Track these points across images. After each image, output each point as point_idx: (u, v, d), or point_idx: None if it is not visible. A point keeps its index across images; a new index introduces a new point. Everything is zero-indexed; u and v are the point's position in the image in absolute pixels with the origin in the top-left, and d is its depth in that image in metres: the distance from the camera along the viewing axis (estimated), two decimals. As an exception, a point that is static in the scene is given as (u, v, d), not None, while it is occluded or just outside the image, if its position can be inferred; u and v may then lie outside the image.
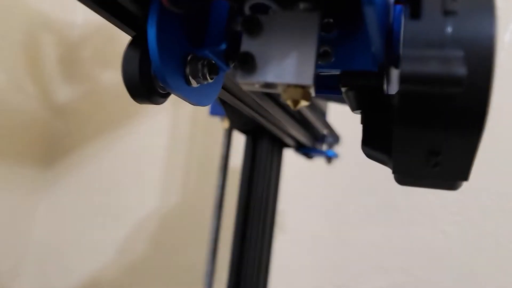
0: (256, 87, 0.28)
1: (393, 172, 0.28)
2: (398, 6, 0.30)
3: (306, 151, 0.70)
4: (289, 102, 0.28)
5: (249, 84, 0.28)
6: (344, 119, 0.70)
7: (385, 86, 0.32)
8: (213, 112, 0.68)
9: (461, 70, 0.22)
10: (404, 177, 0.29)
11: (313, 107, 0.61)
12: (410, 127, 0.25)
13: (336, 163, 0.79)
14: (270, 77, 0.27)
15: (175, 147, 0.99)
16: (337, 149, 0.77)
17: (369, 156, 0.32)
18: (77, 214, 1.02)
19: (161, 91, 0.33)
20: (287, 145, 0.70)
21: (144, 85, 0.32)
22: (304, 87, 0.27)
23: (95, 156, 1.02)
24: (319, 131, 0.66)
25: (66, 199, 1.02)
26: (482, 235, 0.81)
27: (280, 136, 0.65)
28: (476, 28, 0.23)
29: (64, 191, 1.02)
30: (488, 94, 0.23)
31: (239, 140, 0.73)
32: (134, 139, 1.00)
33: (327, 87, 0.36)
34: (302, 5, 0.29)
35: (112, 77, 0.97)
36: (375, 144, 0.32)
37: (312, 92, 0.28)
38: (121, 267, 0.98)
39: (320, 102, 0.66)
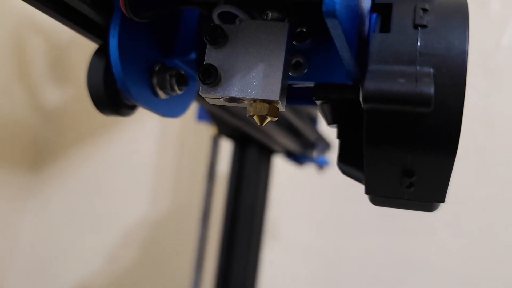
0: (221, 101, 0.27)
1: (366, 192, 0.27)
2: (374, 15, 0.29)
3: (296, 158, 0.69)
4: (255, 118, 0.26)
5: (212, 98, 0.26)
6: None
7: (361, 99, 0.30)
8: (200, 118, 0.67)
9: (429, 88, 0.20)
10: (379, 197, 0.27)
11: (301, 114, 0.59)
12: (379, 147, 0.23)
13: (329, 170, 0.78)
14: (234, 92, 0.26)
15: (164, 152, 0.98)
16: (330, 156, 0.76)
17: (344, 172, 0.31)
18: (64, 220, 1.00)
19: (127, 103, 0.32)
20: (276, 152, 0.68)
21: (110, 97, 0.31)
22: (270, 103, 0.26)
23: (83, 161, 1.00)
24: (308, 138, 0.64)
25: (54, 205, 1.01)
26: (479, 244, 0.80)
27: (268, 143, 0.64)
28: (447, 43, 0.22)
29: (52, 196, 1.01)
30: (460, 113, 0.21)
31: (228, 146, 0.71)
32: (123, 144, 0.98)
33: (302, 98, 0.34)
34: (270, 14, 0.27)
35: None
36: (350, 161, 0.30)
37: (281, 107, 0.27)
38: (109, 274, 0.97)
39: (310, 109, 0.65)
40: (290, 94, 0.29)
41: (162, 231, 0.96)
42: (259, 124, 0.26)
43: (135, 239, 0.97)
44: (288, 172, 0.80)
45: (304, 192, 0.89)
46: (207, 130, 0.73)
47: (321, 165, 0.73)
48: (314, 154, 0.69)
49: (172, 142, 0.98)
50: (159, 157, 0.98)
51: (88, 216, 1.00)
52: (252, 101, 0.26)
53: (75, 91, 1.01)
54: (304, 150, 0.66)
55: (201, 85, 0.26)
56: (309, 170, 0.77)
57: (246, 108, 0.27)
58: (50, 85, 0.99)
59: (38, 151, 1.00)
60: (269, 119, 0.26)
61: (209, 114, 0.60)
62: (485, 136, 0.81)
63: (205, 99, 0.27)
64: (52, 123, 1.01)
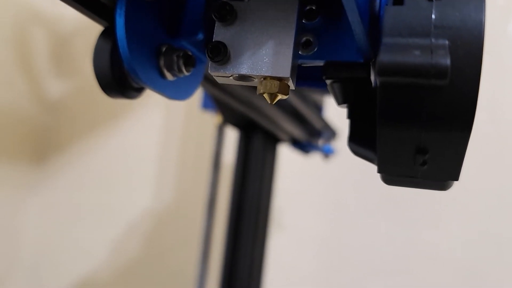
0: (231, 80, 0.26)
1: (379, 171, 0.26)
2: (385, -8, 0.28)
3: (301, 146, 0.69)
4: (265, 96, 0.26)
5: (222, 76, 0.26)
6: (343, 113, 0.68)
7: (372, 78, 0.30)
8: (205, 106, 0.66)
9: (445, 59, 0.20)
10: (391, 176, 0.26)
11: (307, 101, 0.59)
12: (393, 123, 0.23)
13: (336, 158, 0.77)
14: (244, 69, 0.25)
15: (168, 144, 0.97)
16: (337, 144, 0.75)
17: (355, 153, 0.30)
18: (68, 213, 1.00)
19: (134, 85, 0.32)
20: (282, 140, 0.68)
21: (116, 79, 0.31)
22: (281, 80, 0.25)
23: (87, 153, 1.00)
24: (314, 126, 0.64)
25: (58, 198, 1.00)
26: (486, 235, 0.79)
27: (274, 131, 0.63)
28: (463, 14, 0.21)
29: (56, 189, 1.00)
30: (477, 86, 0.21)
31: (233, 135, 0.71)
32: (126, 136, 0.98)
33: (311, 79, 0.34)
34: (280, -9, 0.27)
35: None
36: (361, 141, 0.30)
37: (291, 85, 0.26)
38: (113, 267, 0.97)
39: (315, 96, 0.64)
40: (299, 75, 0.29)
41: (167, 223, 0.96)
42: (269, 102, 0.26)
43: (140, 231, 0.97)
44: (294, 161, 0.80)
45: (309, 182, 0.88)
46: (212, 120, 0.73)
47: (327, 153, 0.72)
48: (320, 142, 0.68)
49: (176, 133, 0.98)
50: (163, 148, 0.98)
51: (92, 209, 0.99)
52: (262, 79, 0.26)
53: (79, 83, 1.01)
54: (310, 138, 0.66)
55: (210, 63, 0.26)
56: (314, 158, 0.77)
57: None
58: (53, 77, 0.98)
59: (41, 143, 0.99)
60: (279, 96, 0.26)
61: (214, 101, 0.60)
62: (493, 125, 0.80)
63: (214, 77, 0.26)
64: (56, 115, 1.01)
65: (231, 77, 0.26)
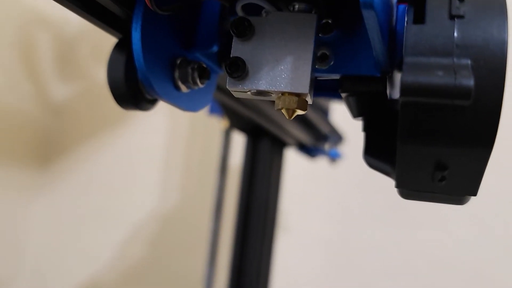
0: (248, 95, 0.26)
1: (397, 186, 0.26)
2: (401, 6, 0.28)
3: (308, 151, 0.69)
4: (283, 112, 0.26)
5: (240, 91, 0.26)
6: (349, 117, 0.68)
7: (388, 91, 0.30)
8: (212, 111, 0.66)
9: (468, 81, 0.20)
10: (409, 191, 0.26)
11: (314, 105, 0.59)
12: (414, 141, 0.23)
13: (342, 162, 0.77)
14: (262, 85, 0.25)
15: (174, 146, 0.97)
16: (343, 147, 0.75)
17: (371, 166, 0.30)
18: (73, 216, 1.00)
19: (148, 97, 0.32)
20: (289, 144, 0.68)
21: (131, 91, 0.31)
22: (299, 95, 0.25)
23: (92, 156, 1.00)
24: (321, 131, 0.64)
25: (62, 201, 1.00)
26: (493, 238, 0.79)
27: (280, 136, 0.63)
28: (485, 33, 0.21)
29: (61, 192, 1.00)
30: (499, 106, 0.21)
31: (239, 139, 0.71)
32: (132, 138, 0.98)
33: (326, 90, 0.34)
34: (297, 6, 0.26)
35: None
36: (377, 154, 0.30)
37: (309, 100, 0.26)
38: (118, 271, 0.96)
39: (322, 100, 0.64)
40: (314, 86, 0.29)
41: (173, 226, 0.96)
42: (287, 117, 0.26)
43: (145, 235, 0.97)
44: (300, 164, 0.80)
45: (316, 184, 0.88)
46: (217, 123, 0.72)
47: (334, 158, 0.72)
48: (327, 146, 0.68)
49: (182, 136, 0.97)
50: (169, 151, 0.98)
51: (97, 212, 0.99)
52: (281, 94, 0.25)
53: (84, 86, 1.00)
54: (316, 143, 0.66)
55: (228, 78, 0.26)
56: (321, 162, 0.77)
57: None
58: (58, 80, 0.98)
59: (46, 146, 0.99)
60: (298, 112, 0.26)
61: (221, 107, 0.60)
62: (503, 131, 0.80)
63: (232, 92, 0.26)
64: (61, 118, 1.00)
65: (248, 92, 0.26)
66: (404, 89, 0.20)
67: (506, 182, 0.80)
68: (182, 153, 0.98)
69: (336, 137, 0.68)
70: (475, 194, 0.25)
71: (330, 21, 0.28)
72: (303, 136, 0.62)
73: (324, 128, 0.63)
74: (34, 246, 1.00)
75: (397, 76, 0.29)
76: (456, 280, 0.81)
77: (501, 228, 0.80)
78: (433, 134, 0.22)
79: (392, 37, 0.27)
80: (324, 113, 0.65)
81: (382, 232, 0.85)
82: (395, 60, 0.28)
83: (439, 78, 0.20)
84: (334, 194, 0.87)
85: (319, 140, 0.66)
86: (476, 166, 0.23)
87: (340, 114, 0.70)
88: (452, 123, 0.21)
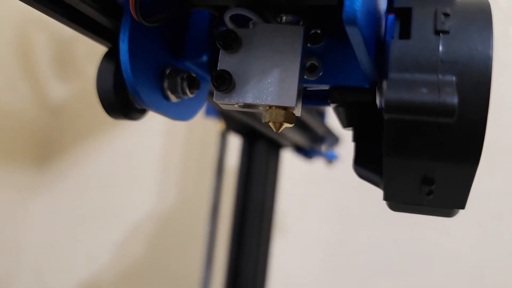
0: (235, 107, 0.26)
1: (384, 199, 0.26)
2: (390, 16, 0.28)
3: (304, 152, 0.68)
4: (271, 125, 0.26)
5: (227, 104, 0.26)
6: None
7: (378, 100, 0.30)
8: (208, 113, 0.66)
9: (452, 98, 0.20)
10: (397, 204, 0.26)
11: (310, 108, 0.58)
12: (399, 155, 0.23)
13: (339, 163, 0.77)
14: (249, 98, 0.25)
15: (171, 147, 0.97)
16: (340, 149, 0.75)
17: (360, 176, 0.30)
18: (71, 216, 1.00)
19: (138, 107, 0.31)
20: (285, 146, 0.68)
21: (120, 101, 0.30)
22: (286, 109, 0.25)
23: (90, 156, 1.00)
24: (317, 133, 0.64)
25: (61, 201, 1.00)
26: (491, 237, 0.79)
27: (276, 138, 0.63)
28: (470, 49, 0.21)
29: (59, 192, 1.00)
30: (484, 122, 0.21)
31: (235, 141, 0.71)
32: (129, 139, 0.98)
33: (316, 98, 0.34)
34: (285, 18, 0.26)
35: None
36: (367, 164, 0.30)
37: (297, 112, 0.26)
38: (117, 271, 0.97)
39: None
40: (304, 94, 0.29)
41: (170, 226, 0.96)
42: (275, 130, 0.26)
43: (143, 234, 0.97)
44: (297, 165, 0.80)
45: (313, 185, 0.88)
46: (214, 124, 0.72)
47: (330, 159, 0.72)
48: (323, 148, 0.68)
49: (180, 137, 0.97)
50: (166, 152, 0.98)
51: (96, 212, 0.99)
52: (268, 107, 0.25)
53: (81, 86, 1.00)
54: (313, 144, 0.66)
55: (215, 91, 0.26)
56: (318, 164, 0.77)
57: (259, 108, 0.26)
58: (56, 80, 0.98)
59: (44, 146, 0.99)
60: (285, 125, 0.26)
61: (217, 110, 0.60)
62: (496, 128, 0.80)
63: (219, 105, 0.26)
64: (58, 118, 1.00)
65: (236, 105, 0.26)
66: (388, 106, 0.20)
67: (505, 181, 0.80)
68: (179, 154, 0.98)
69: (333, 138, 0.68)
70: (463, 207, 0.25)
71: (319, 31, 0.28)
72: (299, 138, 0.62)
73: (320, 130, 0.63)
74: (33, 246, 1.00)
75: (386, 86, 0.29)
76: (455, 280, 0.81)
77: (500, 227, 0.80)
78: (418, 149, 0.22)
79: (381, 48, 0.27)
80: (320, 115, 0.65)
81: (380, 232, 0.85)
82: (384, 70, 0.28)
83: (423, 96, 0.20)
84: (331, 194, 0.87)
85: (315, 142, 0.65)
86: (463, 181, 0.23)
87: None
88: (437, 138, 0.21)
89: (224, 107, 0.26)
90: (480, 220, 0.80)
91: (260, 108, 0.26)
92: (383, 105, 0.21)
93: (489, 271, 0.80)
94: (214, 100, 0.26)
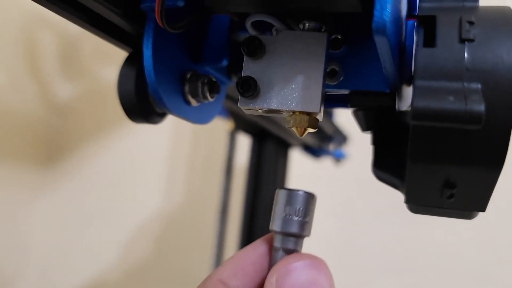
0: (259, 112, 0.27)
1: (406, 202, 0.27)
2: (410, 22, 0.28)
3: (312, 151, 0.69)
4: (294, 130, 0.26)
5: (251, 109, 0.26)
6: (353, 118, 0.68)
7: (397, 104, 0.30)
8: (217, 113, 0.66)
9: (479, 106, 0.20)
10: (417, 207, 0.27)
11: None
12: (424, 160, 0.23)
13: (345, 162, 0.77)
14: (273, 104, 0.26)
15: (178, 146, 0.97)
16: (347, 147, 0.75)
17: (380, 179, 0.30)
18: (77, 215, 1.00)
19: (158, 111, 0.32)
20: (293, 145, 0.68)
21: (141, 105, 0.31)
22: (310, 114, 0.26)
23: (96, 155, 1.00)
24: (325, 132, 0.64)
25: (66, 200, 1.00)
26: (496, 236, 0.79)
27: (285, 138, 0.63)
28: (495, 57, 0.21)
29: (65, 192, 1.00)
30: (509, 129, 0.21)
31: (244, 140, 0.71)
32: (136, 138, 0.97)
33: (335, 101, 0.34)
34: (307, 24, 0.27)
35: (113, 74, 0.93)
36: (387, 167, 0.30)
37: (320, 117, 0.27)
38: (123, 270, 0.97)
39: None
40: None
41: (177, 226, 0.96)
42: (299, 135, 0.26)
43: (150, 234, 0.97)
44: (304, 163, 0.80)
45: (319, 183, 0.88)
46: (222, 124, 0.73)
47: (338, 158, 0.73)
48: (331, 147, 0.69)
49: (187, 136, 0.97)
50: (174, 151, 0.98)
51: (102, 211, 1.00)
52: (292, 113, 0.26)
53: (87, 85, 1.00)
54: (321, 143, 0.66)
55: (239, 97, 0.26)
56: (326, 163, 0.77)
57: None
58: (61, 80, 0.98)
59: (50, 145, 0.99)
60: (308, 130, 0.26)
61: (227, 110, 0.60)
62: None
63: (243, 110, 0.27)
64: (64, 117, 1.01)
65: (260, 110, 0.26)
66: (416, 114, 0.21)
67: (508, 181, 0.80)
68: (187, 152, 0.98)
69: (341, 137, 0.68)
70: (483, 210, 0.26)
71: (339, 37, 0.28)
72: (307, 138, 0.62)
73: (328, 129, 0.63)
74: (39, 245, 1.00)
75: (406, 90, 0.30)
76: (459, 277, 0.81)
77: (505, 225, 0.80)
78: (443, 155, 0.22)
79: (402, 53, 0.28)
80: (328, 114, 0.66)
81: (386, 230, 0.85)
82: (404, 75, 0.28)
83: (450, 103, 0.20)
84: (337, 192, 0.88)
85: (323, 141, 0.66)
86: (485, 185, 0.23)
87: (344, 114, 0.70)
88: (462, 144, 0.22)
89: (248, 112, 0.27)
90: (485, 218, 0.80)
91: (283, 113, 0.26)
92: (409, 112, 0.21)
93: (494, 269, 0.80)
94: (238, 105, 0.26)
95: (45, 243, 1.01)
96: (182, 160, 0.98)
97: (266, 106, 0.26)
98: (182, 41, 0.31)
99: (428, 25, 0.23)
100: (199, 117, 0.33)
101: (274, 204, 0.26)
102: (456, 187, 0.24)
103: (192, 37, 0.31)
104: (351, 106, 0.29)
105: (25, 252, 0.98)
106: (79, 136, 1.02)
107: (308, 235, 0.27)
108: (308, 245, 0.85)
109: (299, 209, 0.26)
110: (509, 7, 0.23)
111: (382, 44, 0.21)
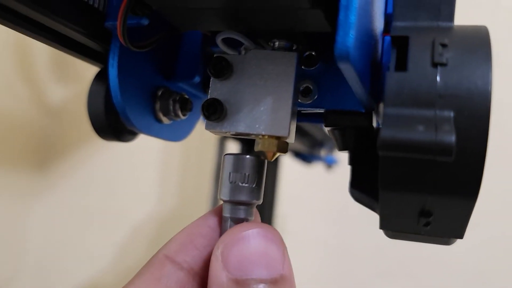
0: (228, 134, 0.26)
1: (381, 227, 0.26)
2: (388, 37, 0.27)
3: (303, 157, 0.68)
4: (263, 154, 0.25)
5: (218, 132, 0.25)
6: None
7: (374, 122, 0.29)
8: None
9: (450, 137, 0.19)
10: (393, 232, 0.26)
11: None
12: (395, 189, 0.22)
13: (339, 165, 0.76)
14: (241, 127, 0.24)
15: (171, 149, 0.96)
16: (339, 154, 0.74)
17: (356, 199, 0.29)
18: (72, 218, 0.99)
19: (130, 129, 0.31)
20: (284, 151, 0.67)
21: (111, 123, 0.30)
22: (279, 138, 0.24)
23: (89, 159, 0.99)
24: (316, 138, 0.63)
25: (62, 203, 1.00)
26: (491, 239, 0.78)
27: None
28: (469, 83, 0.20)
29: (59, 194, 1.00)
30: (483, 159, 0.20)
31: (234, 145, 0.70)
32: (129, 142, 0.97)
33: (312, 116, 0.33)
34: (278, 43, 0.25)
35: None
36: (363, 188, 0.29)
37: (290, 140, 0.25)
38: (118, 272, 0.96)
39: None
40: (300, 113, 0.28)
41: (172, 228, 0.95)
42: (268, 159, 0.25)
43: (144, 236, 0.97)
44: (296, 167, 0.79)
45: (312, 187, 0.88)
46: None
47: (330, 164, 0.72)
48: (322, 153, 0.67)
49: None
50: (166, 154, 0.97)
51: (96, 214, 0.99)
52: (261, 136, 0.25)
53: (81, 88, 0.99)
54: (312, 150, 0.65)
55: (206, 120, 0.25)
56: (317, 167, 0.76)
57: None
58: (55, 82, 0.97)
59: (44, 149, 0.99)
60: (278, 154, 0.25)
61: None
62: (497, 129, 0.79)
63: (211, 132, 0.26)
64: (58, 120, 0.99)
65: (228, 133, 0.25)
66: (382, 145, 0.20)
67: (507, 182, 0.79)
68: (179, 156, 0.97)
69: (332, 143, 0.67)
70: (461, 237, 0.25)
71: (313, 53, 0.27)
72: (298, 144, 0.61)
73: (319, 135, 0.62)
74: (34, 249, 1.00)
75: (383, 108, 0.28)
76: (454, 281, 0.80)
77: (502, 228, 0.79)
78: (415, 184, 0.21)
79: (378, 71, 0.26)
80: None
81: (380, 233, 0.84)
82: (381, 93, 0.27)
83: (419, 134, 0.19)
84: (330, 196, 0.87)
85: (314, 147, 0.65)
86: (461, 214, 0.22)
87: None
88: (435, 174, 0.21)
89: (215, 133, 0.26)
90: (481, 222, 0.80)
91: (252, 136, 0.25)
92: (378, 142, 0.20)
93: (489, 273, 0.79)
94: (205, 128, 0.25)
95: (41, 245, 1.00)
96: (175, 164, 0.97)
97: (233, 130, 0.24)
98: (152, 57, 0.30)
99: (400, 46, 0.22)
100: (173, 135, 0.32)
101: (220, 171, 0.25)
102: (432, 216, 0.23)
103: (164, 53, 0.30)
104: (326, 126, 0.28)
105: (21, 255, 0.98)
106: (73, 139, 1.01)
107: (259, 202, 0.26)
108: (303, 250, 0.84)
109: (246, 174, 0.24)
110: (485, 27, 0.22)
111: (347, 71, 0.20)
